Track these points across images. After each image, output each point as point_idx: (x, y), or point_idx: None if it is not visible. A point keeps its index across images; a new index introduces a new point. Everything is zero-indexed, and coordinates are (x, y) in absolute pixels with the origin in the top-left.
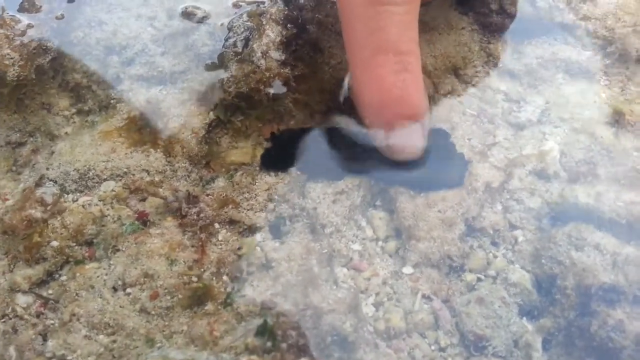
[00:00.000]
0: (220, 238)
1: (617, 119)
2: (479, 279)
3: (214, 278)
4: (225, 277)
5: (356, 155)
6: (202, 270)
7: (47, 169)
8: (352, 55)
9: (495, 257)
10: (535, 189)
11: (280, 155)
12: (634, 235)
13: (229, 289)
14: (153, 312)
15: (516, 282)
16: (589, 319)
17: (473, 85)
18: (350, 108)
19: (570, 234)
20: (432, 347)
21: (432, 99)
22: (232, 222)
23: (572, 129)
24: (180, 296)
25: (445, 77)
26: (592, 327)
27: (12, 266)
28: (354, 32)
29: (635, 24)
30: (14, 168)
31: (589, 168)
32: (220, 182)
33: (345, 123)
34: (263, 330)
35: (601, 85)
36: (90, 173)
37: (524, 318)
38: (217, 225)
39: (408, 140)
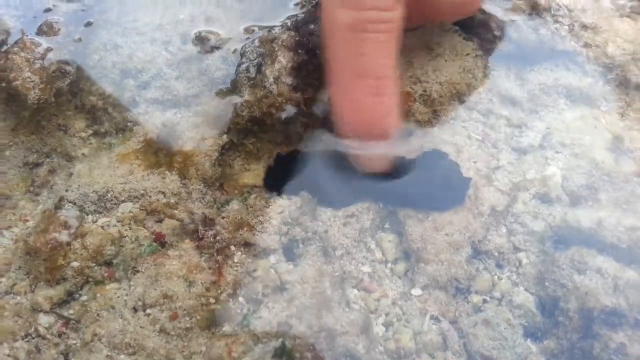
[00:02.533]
0: (236, 260)
1: (617, 145)
2: (484, 301)
3: (231, 299)
4: (241, 299)
5: (361, 178)
6: (219, 291)
7: (67, 190)
8: (332, 76)
9: (500, 279)
10: (539, 213)
11: (284, 176)
12: (635, 259)
13: (245, 311)
14: (172, 333)
15: (520, 304)
16: (591, 341)
17: (477, 111)
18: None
19: (572, 258)
20: None
21: (432, 123)
22: (247, 244)
23: (573, 154)
24: (198, 317)
25: (450, 103)
26: (595, 349)
27: (33, 286)
28: (336, 55)
29: (634, 52)
30: (31, 189)
31: (590, 193)
32: (235, 205)
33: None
34: (281, 353)
35: (601, 111)
36: (109, 195)
37: (529, 339)
38: (232, 248)
39: (378, 156)
